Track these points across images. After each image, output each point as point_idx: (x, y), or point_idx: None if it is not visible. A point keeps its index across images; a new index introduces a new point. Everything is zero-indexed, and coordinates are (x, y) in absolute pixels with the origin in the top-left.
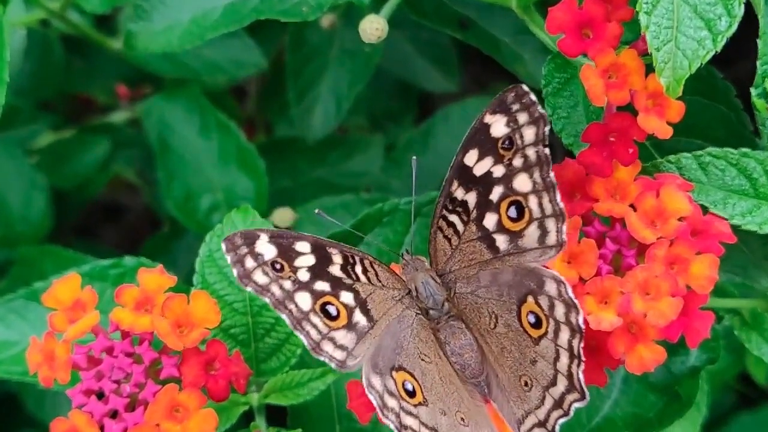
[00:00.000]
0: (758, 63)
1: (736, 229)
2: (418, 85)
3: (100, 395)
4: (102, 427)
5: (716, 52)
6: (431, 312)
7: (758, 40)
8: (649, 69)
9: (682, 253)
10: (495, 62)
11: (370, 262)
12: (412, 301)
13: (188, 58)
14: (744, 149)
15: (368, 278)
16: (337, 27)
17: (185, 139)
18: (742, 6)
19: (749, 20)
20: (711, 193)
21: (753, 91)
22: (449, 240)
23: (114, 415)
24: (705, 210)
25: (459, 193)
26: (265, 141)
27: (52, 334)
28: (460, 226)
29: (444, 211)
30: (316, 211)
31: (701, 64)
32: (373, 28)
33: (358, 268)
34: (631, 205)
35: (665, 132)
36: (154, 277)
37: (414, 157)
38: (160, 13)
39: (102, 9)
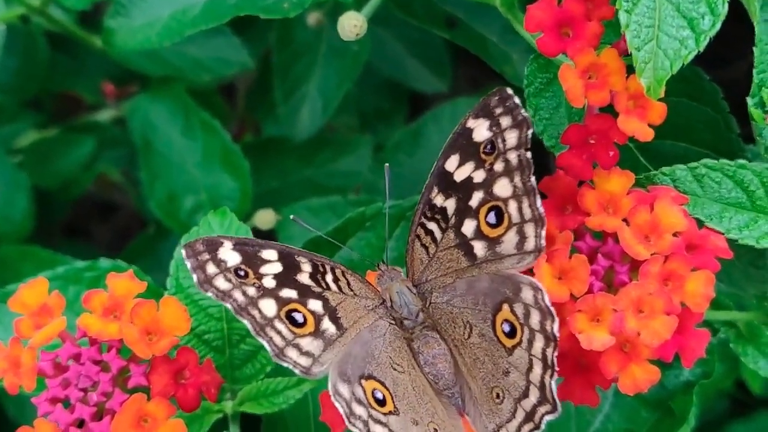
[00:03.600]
0: (754, 72)
1: (728, 240)
2: (408, 84)
3: (67, 404)
4: None
5: (699, 51)
6: (405, 322)
7: (754, 48)
8: (631, 69)
9: (677, 270)
10: None
11: (342, 272)
12: (386, 311)
13: (172, 56)
14: (741, 161)
15: (339, 287)
16: (325, 25)
17: (169, 139)
18: (726, 4)
19: (744, 19)
20: (707, 206)
21: (749, 100)
22: (426, 248)
23: (80, 424)
24: (700, 224)
25: (438, 200)
26: (252, 141)
27: (18, 339)
28: (438, 234)
29: (423, 219)
30: (291, 217)
31: (683, 64)
32: (351, 24)
33: (329, 277)
34: (625, 220)
35: (646, 134)
36: (123, 283)
37: (387, 165)
38: (140, 9)
39: (81, 5)
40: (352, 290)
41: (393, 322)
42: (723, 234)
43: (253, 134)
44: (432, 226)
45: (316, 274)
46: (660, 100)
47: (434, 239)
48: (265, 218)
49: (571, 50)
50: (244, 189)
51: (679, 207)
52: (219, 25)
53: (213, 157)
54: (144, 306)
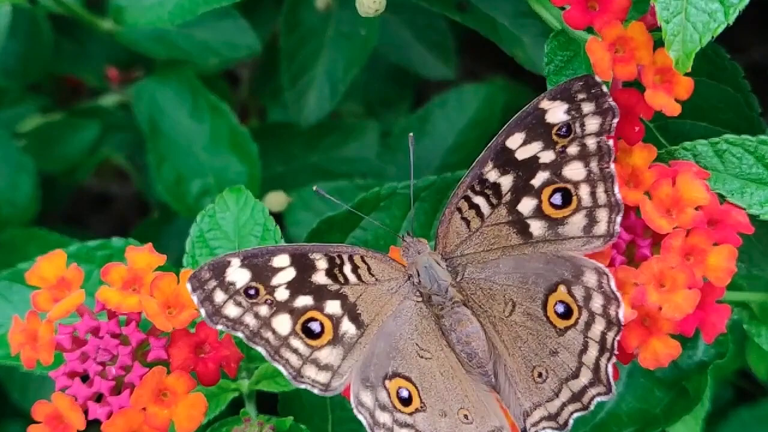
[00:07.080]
0: None
1: (749, 217)
2: (414, 71)
3: (85, 378)
4: (86, 411)
5: (728, 24)
6: (433, 298)
7: None
8: (658, 44)
9: (699, 244)
10: (490, 54)
11: (361, 257)
12: (412, 289)
13: (180, 39)
14: (762, 136)
15: (359, 276)
16: (333, 9)
17: (176, 122)
18: None
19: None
20: (728, 181)
21: None
22: (468, 222)
23: (99, 398)
24: (722, 199)
25: (492, 175)
26: (258, 126)
27: (36, 313)
28: (485, 209)
29: (469, 192)
30: (314, 188)
31: (712, 37)
32: (370, 1)
33: (347, 268)
34: (647, 193)
35: (673, 109)
36: (143, 256)
37: (411, 134)
38: None
39: None
40: (373, 276)
41: (420, 299)
42: (744, 209)
43: (257, 121)
44: (479, 200)
45: (333, 269)
46: None
47: (480, 213)
48: (277, 200)
49: (598, 23)
50: (252, 173)
51: (701, 181)
52: (228, 6)
53: (221, 140)
54: (164, 279)
